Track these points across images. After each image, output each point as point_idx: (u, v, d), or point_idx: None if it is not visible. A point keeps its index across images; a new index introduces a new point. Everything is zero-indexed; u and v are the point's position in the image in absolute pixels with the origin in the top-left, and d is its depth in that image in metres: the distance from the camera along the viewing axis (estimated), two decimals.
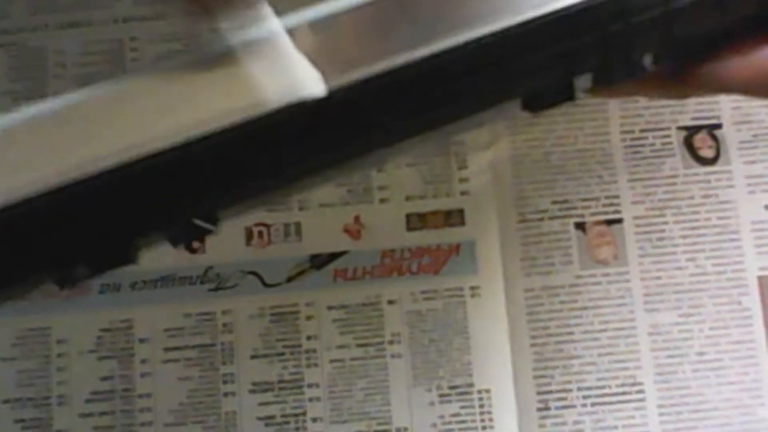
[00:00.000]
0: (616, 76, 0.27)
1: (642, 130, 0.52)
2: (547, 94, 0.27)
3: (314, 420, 0.50)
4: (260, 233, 0.52)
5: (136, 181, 0.24)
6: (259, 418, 0.50)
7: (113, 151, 0.24)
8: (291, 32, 0.26)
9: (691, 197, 0.51)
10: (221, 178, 0.25)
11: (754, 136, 0.52)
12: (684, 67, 0.28)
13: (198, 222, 0.26)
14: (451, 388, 0.50)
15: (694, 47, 0.28)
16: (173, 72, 0.27)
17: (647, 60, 0.27)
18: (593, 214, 0.51)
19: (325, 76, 0.25)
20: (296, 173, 0.26)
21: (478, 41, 0.25)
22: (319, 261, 0.52)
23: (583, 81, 0.27)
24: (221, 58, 0.27)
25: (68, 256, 0.25)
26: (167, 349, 0.51)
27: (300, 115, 0.25)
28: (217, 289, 0.51)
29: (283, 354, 0.51)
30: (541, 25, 0.25)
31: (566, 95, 0.27)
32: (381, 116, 0.26)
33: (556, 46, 0.26)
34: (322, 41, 0.26)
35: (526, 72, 0.26)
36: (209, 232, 0.26)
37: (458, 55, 0.25)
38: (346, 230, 0.52)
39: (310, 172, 0.27)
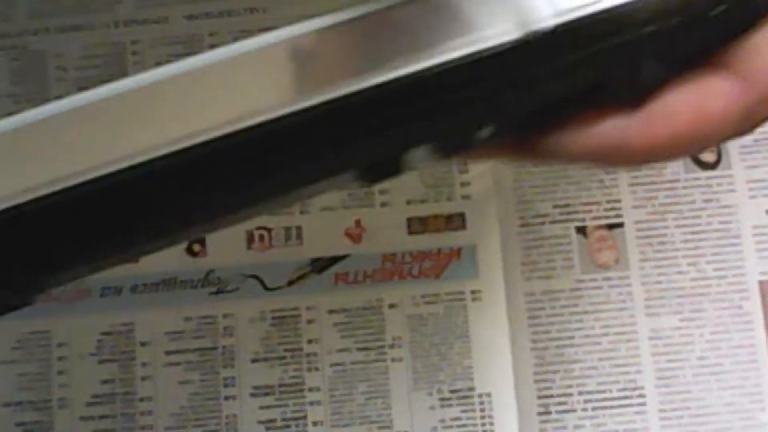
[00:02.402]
0: (450, 149, 0.26)
1: None
2: (378, 168, 0.25)
3: (315, 424, 0.50)
4: (261, 237, 0.52)
5: None
6: (260, 422, 0.50)
7: None
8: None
9: (693, 201, 0.51)
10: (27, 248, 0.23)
11: (755, 140, 0.52)
12: (528, 137, 0.27)
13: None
14: (452, 391, 0.50)
15: (535, 119, 0.26)
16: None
17: (484, 132, 0.26)
18: (594, 218, 0.51)
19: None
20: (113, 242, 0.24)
21: (301, 114, 0.23)
22: (320, 265, 0.52)
23: (421, 152, 0.26)
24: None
25: None
26: (168, 353, 0.51)
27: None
28: (218, 292, 0.51)
29: (283, 357, 0.51)
30: (365, 100, 0.24)
31: (396, 168, 0.26)
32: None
33: (382, 122, 0.24)
34: None
35: (350, 147, 0.24)
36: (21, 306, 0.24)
37: (288, 128, 0.23)
38: (348, 234, 0.52)
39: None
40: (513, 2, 0.25)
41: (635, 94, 0.26)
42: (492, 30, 0.24)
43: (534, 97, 0.26)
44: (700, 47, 0.26)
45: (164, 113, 0.23)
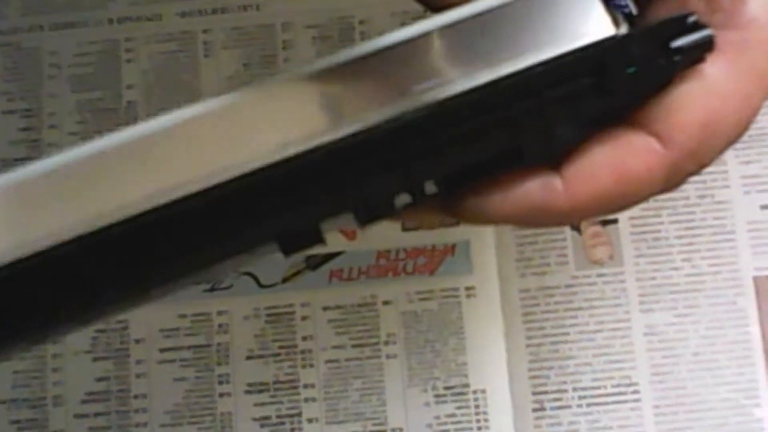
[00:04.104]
0: (369, 217, 0.26)
1: None
2: (297, 239, 0.25)
3: (310, 421, 0.50)
4: None
5: None
6: (255, 419, 0.50)
7: None
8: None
9: (687, 197, 0.51)
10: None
11: (750, 136, 0.52)
12: (452, 199, 0.26)
13: None
14: (447, 388, 0.50)
15: (459, 182, 0.26)
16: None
17: (404, 198, 0.25)
18: None
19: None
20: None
21: (223, 186, 0.23)
22: (314, 261, 0.52)
23: (339, 221, 0.26)
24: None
25: None
26: (162, 350, 0.51)
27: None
28: (212, 289, 0.51)
29: (278, 354, 0.51)
30: (283, 172, 0.23)
31: (316, 240, 0.25)
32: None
33: (295, 196, 0.24)
34: None
35: (268, 217, 0.24)
36: None
37: (206, 201, 0.23)
38: (342, 231, 0.52)
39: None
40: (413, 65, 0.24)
41: (554, 155, 0.26)
42: (395, 104, 0.24)
43: (450, 164, 0.25)
44: (618, 106, 0.26)
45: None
